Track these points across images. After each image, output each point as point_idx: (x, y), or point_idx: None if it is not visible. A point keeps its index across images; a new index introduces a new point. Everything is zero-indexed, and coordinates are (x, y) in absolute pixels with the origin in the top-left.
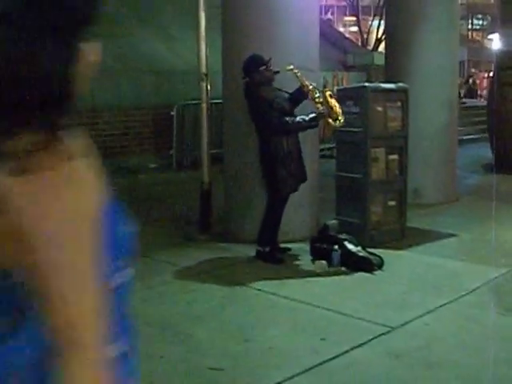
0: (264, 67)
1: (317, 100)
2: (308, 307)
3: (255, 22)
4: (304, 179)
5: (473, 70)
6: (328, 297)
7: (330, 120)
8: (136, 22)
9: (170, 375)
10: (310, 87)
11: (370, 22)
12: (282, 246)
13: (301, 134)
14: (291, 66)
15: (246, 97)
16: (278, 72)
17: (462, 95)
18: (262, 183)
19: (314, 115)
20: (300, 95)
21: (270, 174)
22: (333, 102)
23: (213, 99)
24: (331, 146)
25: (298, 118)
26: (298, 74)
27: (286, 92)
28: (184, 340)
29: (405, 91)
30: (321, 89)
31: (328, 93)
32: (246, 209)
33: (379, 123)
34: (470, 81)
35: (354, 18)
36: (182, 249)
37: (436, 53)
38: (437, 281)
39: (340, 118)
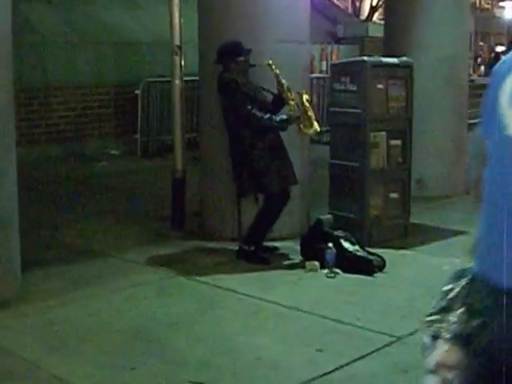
0: (242, 58)
1: (291, 102)
2: (299, 314)
3: None
4: (295, 182)
5: (481, 44)
6: (321, 302)
7: (302, 127)
8: None
9: None
10: (285, 87)
11: None
12: (268, 244)
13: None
14: (270, 61)
15: (218, 87)
16: (253, 65)
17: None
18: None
19: (284, 117)
20: (280, 99)
21: (239, 172)
22: (308, 107)
23: (184, 76)
24: (323, 129)
25: (266, 115)
26: (276, 72)
27: (268, 90)
28: (159, 350)
29: (410, 66)
30: (299, 91)
31: (305, 97)
32: (224, 201)
33: (380, 103)
34: (479, 60)
35: None
36: (152, 247)
37: (443, 22)
38: (445, 284)
39: (314, 126)
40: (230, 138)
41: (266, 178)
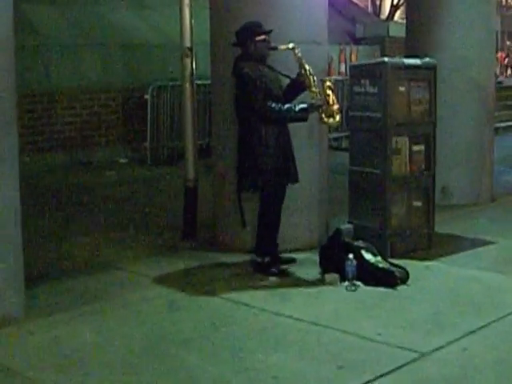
0: (262, 37)
1: (313, 89)
2: (318, 328)
3: None
4: (295, 179)
5: (508, 43)
6: (342, 316)
7: (324, 116)
8: None
9: None
10: (308, 72)
11: None
12: (285, 255)
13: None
14: (292, 45)
15: (232, 73)
16: (275, 48)
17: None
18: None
19: (304, 106)
20: (300, 84)
21: (242, 168)
22: (331, 95)
23: (195, 79)
24: (342, 134)
25: (285, 106)
26: (299, 55)
27: (288, 76)
28: (170, 368)
29: (433, 68)
30: (322, 78)
31: (327, 83)
32: (237, 211)
33: (401, 107)
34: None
35: None
36: (163, 260)
37: (468, 21)
38: (473, 297)
39: (336, 116)
40: (240, 129)
41: (269, 177)
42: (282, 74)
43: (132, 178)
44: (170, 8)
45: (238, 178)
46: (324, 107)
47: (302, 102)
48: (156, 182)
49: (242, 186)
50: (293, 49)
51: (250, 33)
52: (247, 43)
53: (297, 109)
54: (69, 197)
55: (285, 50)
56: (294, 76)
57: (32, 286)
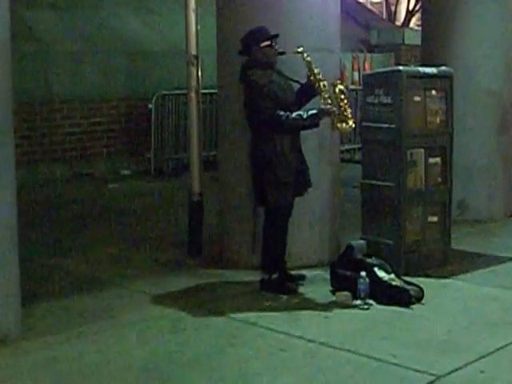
0: (268, 43)
1: (323, 94)
2: (329, 350)
3: None
4: (303, 190)
5: None
6: (354, 337)
7: (336, 121)
8: None
9: None
10: (318, 77)
11: None
12: (294, 273)
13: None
14: (301, 49)
15: (240, 79)
16: (283, 53)
17: None
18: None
19: (314, 112)
20: (310, 89)
21: (256, 180)
22: (343, 100)
23: (202, 88)
24: (354, 146)
25: (293, 114)
26: (308, 59)
27: (297, 81)
28: None
29: (449, 77)
30: (333, 82)
31: (339, 87)
32: (245, 226)
33: (417, 117)
34: None
35: None
36: (167, 277)
37: (488, 30)
38: (492, 317)
39: (349, 121)
40: (253, 138)
41: (281, 190)
42: (292, 80)
43: (135, 191)
44: (175, 13)
45: (255, 192)
46: (336, 111)
47: (312, 108)
48: (160, 195)
49: (260, 200)
50: (301, 53)
51: (255, 39)
52: (253, 50)
53: (305, 116)
54: (68, 210)
55: (293, 54)
56: (303, 81)
57: (29, 304)
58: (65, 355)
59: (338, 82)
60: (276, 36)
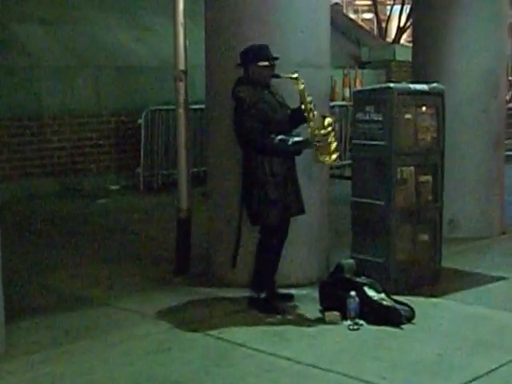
0: (266, 63)
1: (312, 125)
2: (317, 372)
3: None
4: (298, 211)
5: None
6: (343, 358)
7: (319, 154)
8: (95, 5)
9: None
10: (309, 107)
11: (389, 7)
12: (283, 291)
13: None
14: (296, 75)
15: (231, 94)
16: (277, 76)
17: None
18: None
19: (299, 139)
20: (300, 116)
21: (247, 199)
22: (329, 133)
23: (191, 104)
24: (345, 163)
25: (279, 137)
26: (301, 87)
27: (287, 107)
28: None
29: (440, 94)
30: (324, 114)
31: (328, 120)
32: (231, 243)
33: (408, 135)
34: None
35: (369, 2)
36: (154, 295)
37: (478, 46)
38: (482, 337)
39: (333, 155)
40: (244, 155)
41: (272, 209)
42: (283, 104)
43: (124, 207)
44: (166, 29)
45: (248, 210)
46: (321, 144)
47: (299, 135)
48: (149, 211)
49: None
50: (296, 79)
51: (253, 56)
52: (249, 66)
53: (290, 142)
54: (56, 225)
55: (287, 78)
56: (294, 106)
57: (13, 322)
58: (49, 376)
59: (328, 115)
60: (275, 58)
